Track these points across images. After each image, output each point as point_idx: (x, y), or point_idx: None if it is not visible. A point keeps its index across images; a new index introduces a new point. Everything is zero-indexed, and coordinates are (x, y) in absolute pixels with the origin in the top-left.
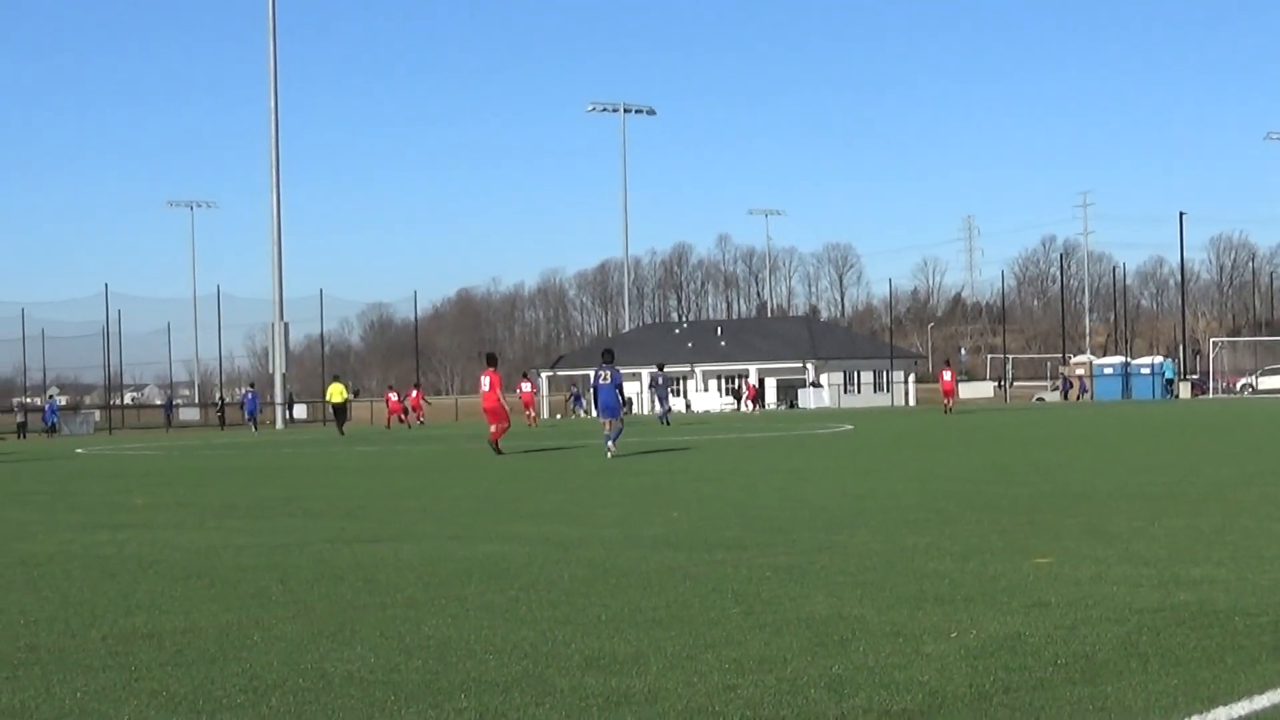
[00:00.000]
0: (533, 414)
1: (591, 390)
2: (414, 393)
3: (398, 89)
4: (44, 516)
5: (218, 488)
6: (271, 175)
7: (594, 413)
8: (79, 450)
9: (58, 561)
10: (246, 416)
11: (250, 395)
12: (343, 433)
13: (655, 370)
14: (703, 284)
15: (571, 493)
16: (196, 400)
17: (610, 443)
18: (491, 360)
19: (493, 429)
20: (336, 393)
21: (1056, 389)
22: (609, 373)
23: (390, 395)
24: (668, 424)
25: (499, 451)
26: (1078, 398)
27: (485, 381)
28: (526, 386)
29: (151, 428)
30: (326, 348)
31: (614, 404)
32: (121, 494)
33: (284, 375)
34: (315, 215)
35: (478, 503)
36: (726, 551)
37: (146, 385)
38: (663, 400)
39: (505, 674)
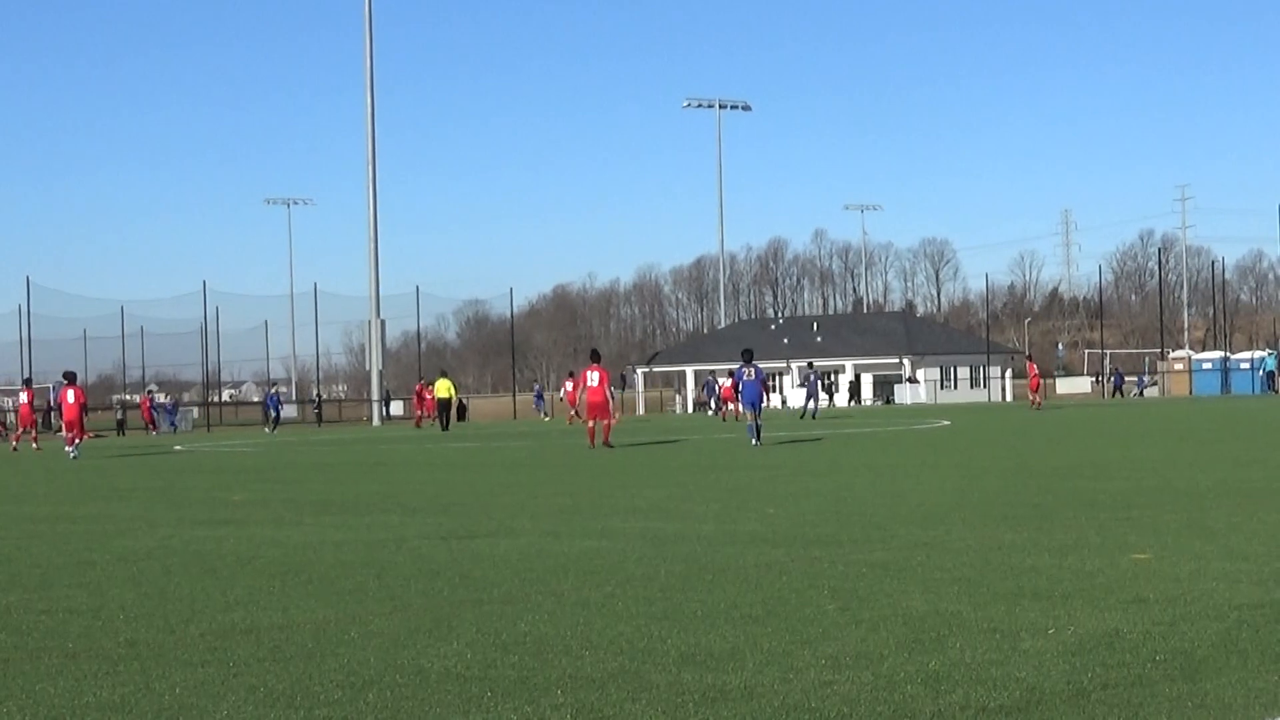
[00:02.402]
0: (574, 413)
1: (734, 385)
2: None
3: (494, 85)
4: (144, 512)
5: (315, 484)
6: (368, 172)
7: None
8: (178, 447)
9: (157, 557)
10: (271, 416)
11: (273, 395)
12: (446, 428)
13: (805, 366)
14: (798, 280)
15: (668, 488)
16: (294, 397)
17: (755, 438)
18: (596, 356)
19: (603, 423)
20: (444, 389)
21: (1154, 383)
22: (754, 370)
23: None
24: (814, 417)
25: (610, 446)
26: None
27: (594, 376)
28: (570, 385)
29: (249, 424)
30: (423, 344)
31: (759, 399)
32: (220, 490)
33: (380, 372)
34: (411, 212)
35: (574, 498)
36: (823, 547)
37: (244, 382)
38: (813, 396)
39: (601, 670)
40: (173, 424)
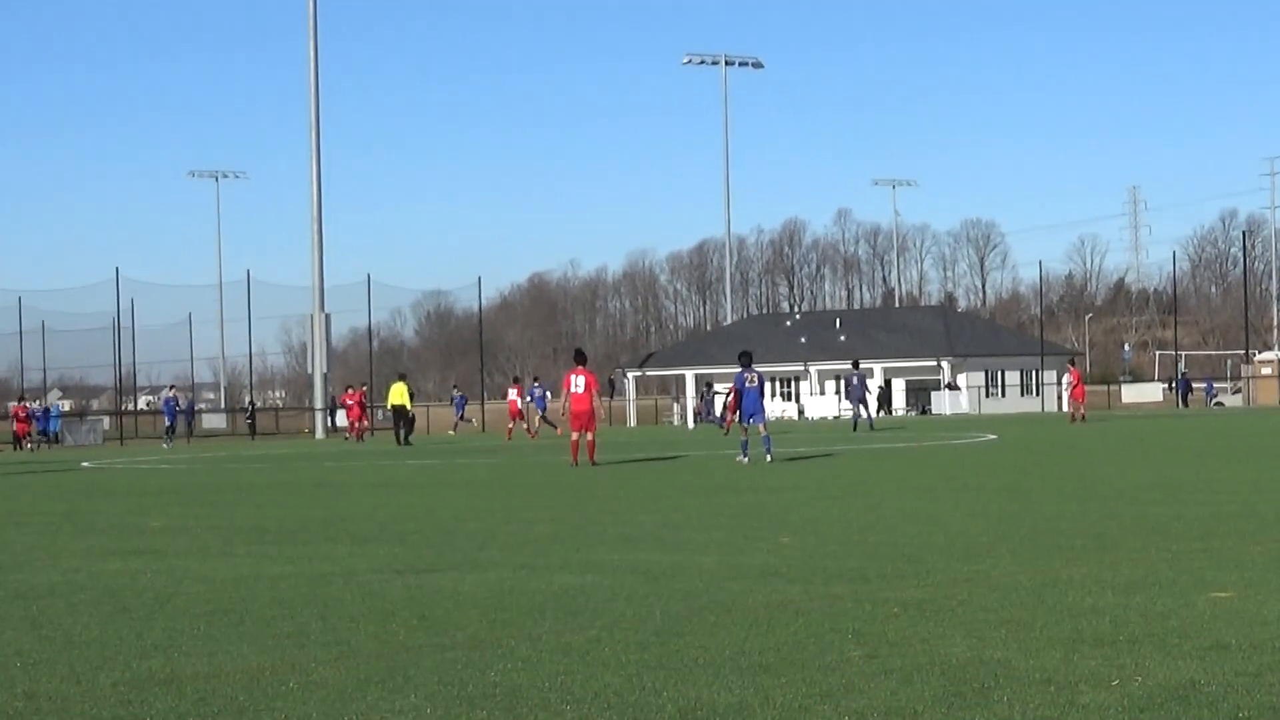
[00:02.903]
0: (525, 426)
1: (734, 394)
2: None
3: (458, 40)
4: (46, 541)
5: (248, 508)
6: (311, 141)
7: (709, 418)
8: (85, 463)
9: (61, 594)
10: (166, 425)
11: (170, 399)
12: (406, 442)
13: (851, 369)
14: (818, 268)
15: (665, 513)
16: (223, 405)
17: (766, 451)
18: (581, 358)
19: (589, 438)
20: (398, 394)
21: (1237, 390)
22: (756, 375)
23: (347, 399)
24: (871, 428)
25: (595, 463)
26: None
27: (579, 381)
28: (513, 394)
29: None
30: (375, 343)
31: (761, 408)
32: (135, 515)
33: (325, 375)
34: (361, 188)
35: (553, 525)
36: (846, 584)
37: (164, 387)
38: (862, 402)
39: None
40: (44, 431)
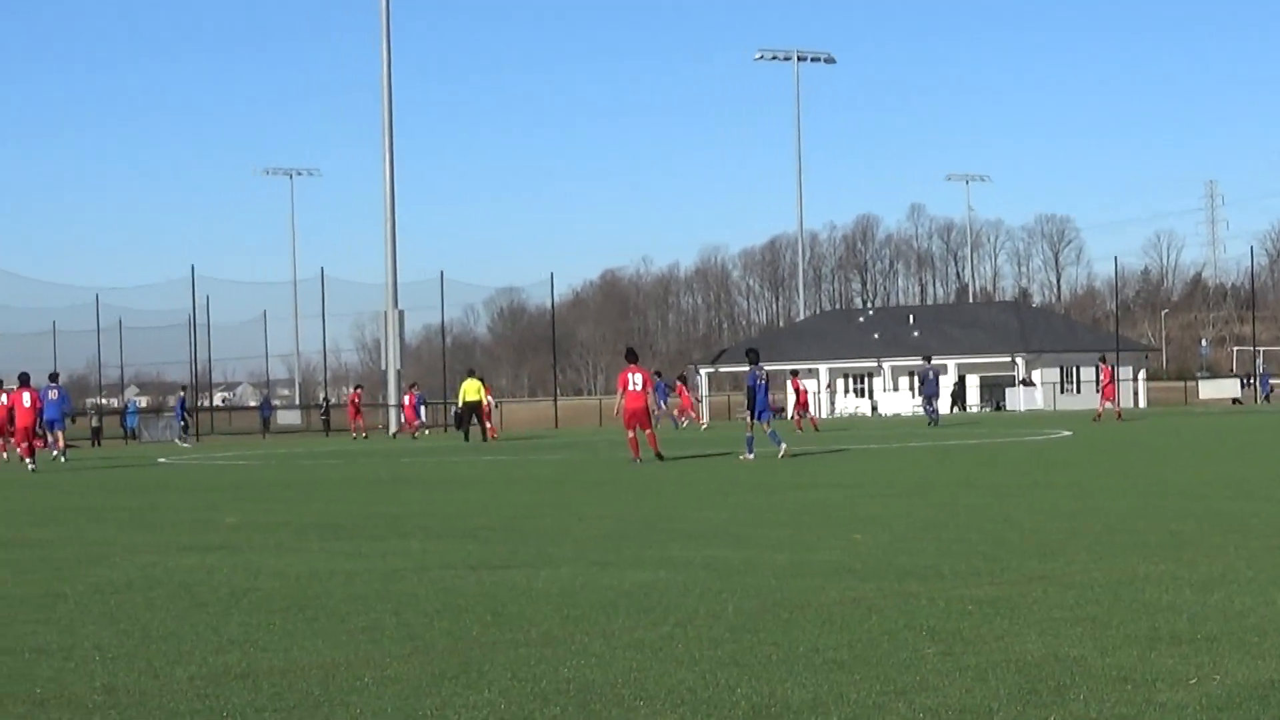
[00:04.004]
0: (416, 424)
1: (750, 391)
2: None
3: (529, 37)
4: (123, 536)
5: (322, 503)
6: (384, 138)
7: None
8: (162, 459)
9: (139, 589)
10: (179, 425)
11: (180, 399)
12: (468, 439)
13: (923, 363)
14: (891, 264)
15: (734, 510)
16: (297, 401)
17: (780, 446)
18: (633, 356)
19: (646, 432)
20: (472, 390)
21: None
22: (765, 373)
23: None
24: (936, 423)
25: (662, 457)
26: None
27: (636, 379)
28: (408, 400)
29: (245, 433)
30: (448, 340)
31: (768, 405)
32: (211, 510)
33: (399, 371)
34: (435, 185)
35: (624, 522)
36: (920, 581)
37: (239, 384)
38: (934, 398)
39: None
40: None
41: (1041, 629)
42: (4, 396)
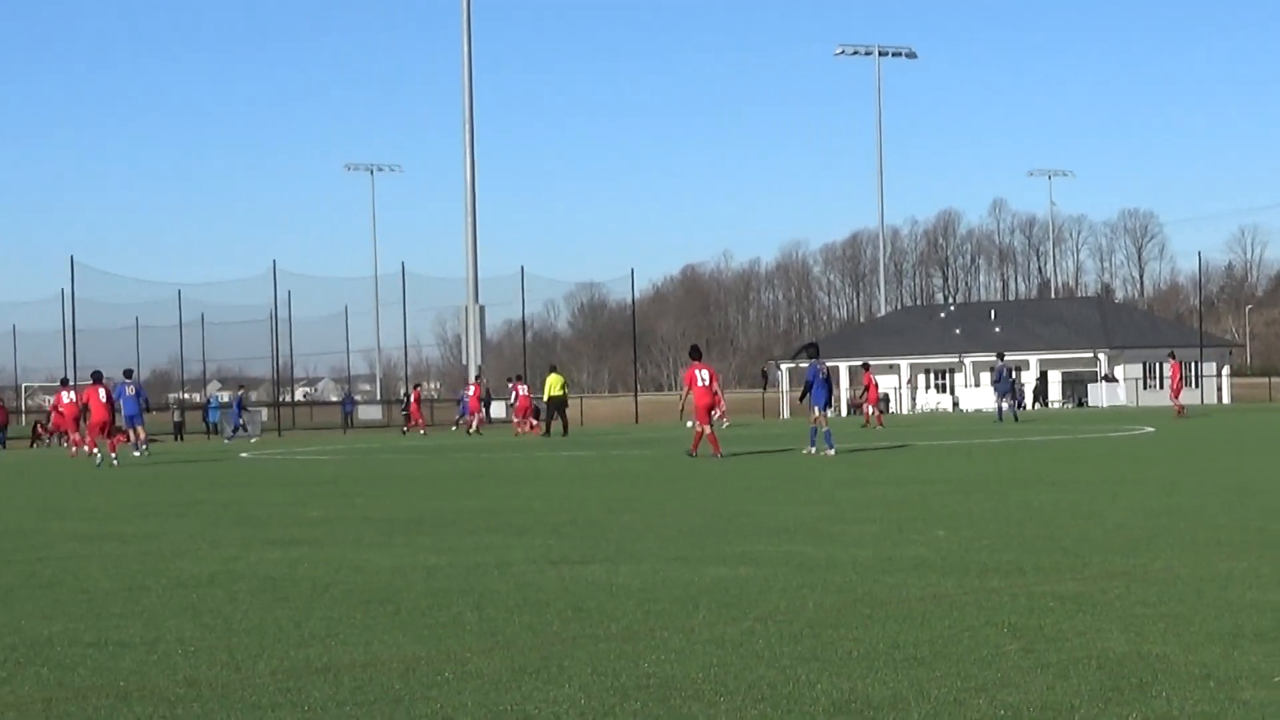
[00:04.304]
0: (480, 418)
1: (808, 384)
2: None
3: (609, 32)
4: (206, 530)
5: (404, 498)
6: (465, 134)
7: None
8: (244, 454)
9: (221, 583)
10: (237, 424)
11: (237, 398)
12: (549, 433)
13: (996, 359)
14: (973, 259)
15: (816, 505)
16: (378, 396)
17: (829, 446)
18: (698, 353)
19: (707, 430)
20: (555, 385)
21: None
22: (825, 367)
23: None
24: (999, 419)
25: (719, 455)
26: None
27: (704, 375)
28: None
29: (326, 428)
30: (529, 335)
31: (825, 400)
32: (293, 505)
33: (479, 366)
34: (516, 180)
35: (705, 517)
36: (1002, 577)
37: (321, 379)
38: (1009, 394)
39: (739, 719)
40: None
41: (1124, 625)
42: (69, 394)
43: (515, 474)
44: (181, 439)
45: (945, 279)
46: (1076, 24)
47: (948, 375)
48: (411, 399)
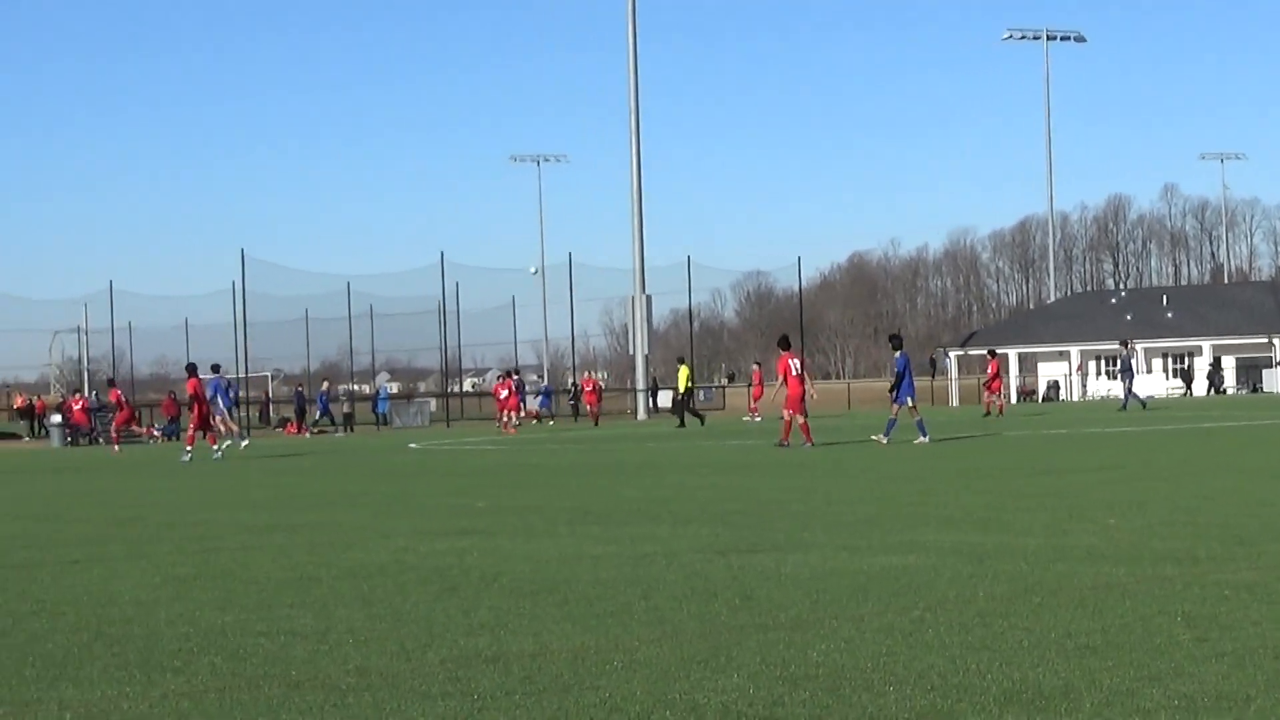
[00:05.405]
0: (514, 416)
1: (899, 375)
2: (506, 389)
3: (773, 21)
4: (377, 521)
5: (570, 489)
6: (631, 124)
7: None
8: (412, 445)
9: (391, 573)
10: (320, 414)
11: (324, 393)
12: (684, 424)
13: (1120, 347)
14: (1144, 244)
15: (982, 494)
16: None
17: (923, 436)
18: (787, 344)
19: (800, 419)
20: (685, 377)
21: None
22: (908, 357)
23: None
24: (1124, 408)
25: (811, 443)
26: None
27: (796, 365)
28: (504, 392)
29: (494, 419)
30: (695, 324)
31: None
32: (461, 496)
33: (646, 356)
34: (682, 170)
35: (872, 506)
36: (1175, 565)
37: (489, 370)
38: (1130, 378)
39: (908, 709)
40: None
41: None
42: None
43: (681, 464)
44: (351, 430)
45: (1116, 264)
46: (1246, 3)
47: (1119, 362)
48: (583, 389)
